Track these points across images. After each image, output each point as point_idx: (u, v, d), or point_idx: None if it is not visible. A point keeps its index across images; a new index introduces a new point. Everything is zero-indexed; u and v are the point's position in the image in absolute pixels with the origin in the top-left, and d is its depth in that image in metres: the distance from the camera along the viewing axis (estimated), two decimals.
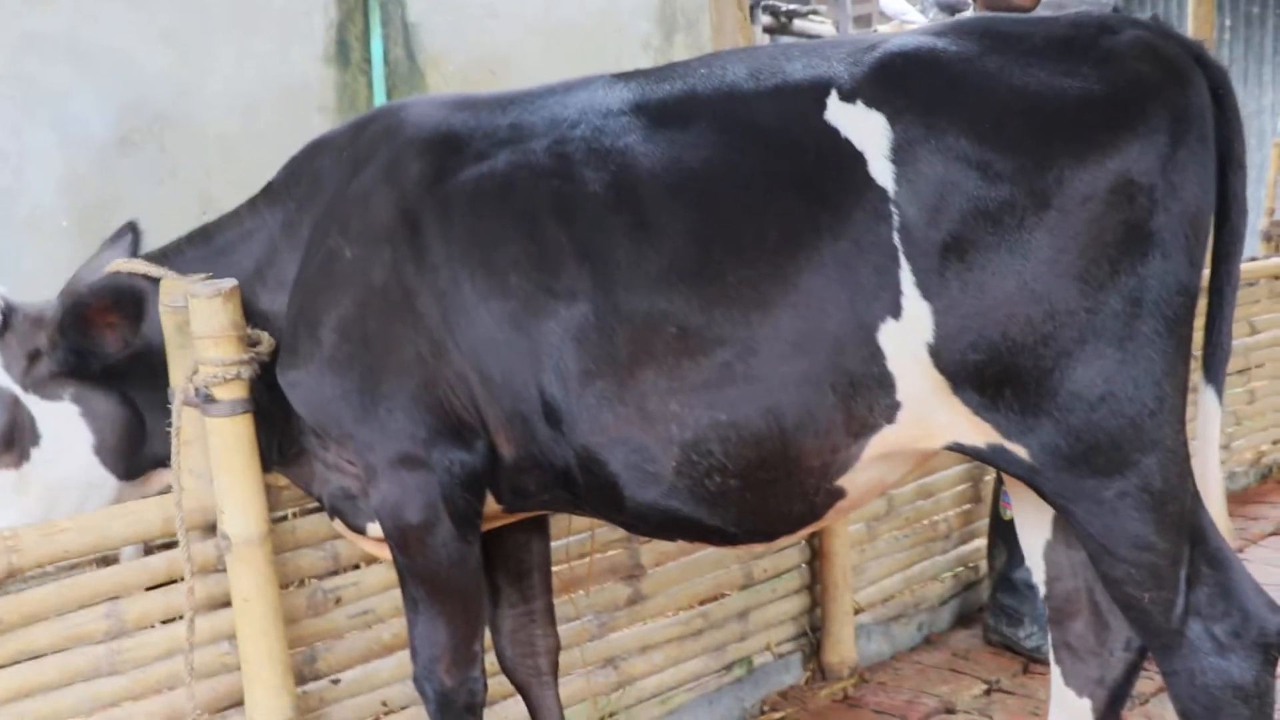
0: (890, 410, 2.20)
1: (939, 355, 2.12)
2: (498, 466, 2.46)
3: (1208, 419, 2.24)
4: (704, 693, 3.69)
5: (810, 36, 9.84)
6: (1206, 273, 2.21)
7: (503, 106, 2.51)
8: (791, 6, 9.77)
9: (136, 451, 2.73)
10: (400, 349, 2.40)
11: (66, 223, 4.39)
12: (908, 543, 4.28)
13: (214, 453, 2.54)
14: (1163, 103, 2.07)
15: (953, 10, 3.85)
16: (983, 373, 2.11)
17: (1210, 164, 2.12)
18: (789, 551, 3.93)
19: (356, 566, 2.96)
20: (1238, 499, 5.55)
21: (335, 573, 2.93)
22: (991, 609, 4.17)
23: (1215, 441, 2.24)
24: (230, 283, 2.52)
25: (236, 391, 2.51)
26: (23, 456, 2.62)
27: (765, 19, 9.15)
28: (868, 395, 2.18)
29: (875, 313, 2.13)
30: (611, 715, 3.48)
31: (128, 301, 2.58)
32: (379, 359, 2.42)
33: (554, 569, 3.28)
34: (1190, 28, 5.14)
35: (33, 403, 2.63)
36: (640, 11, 6.23)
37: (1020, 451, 2.16)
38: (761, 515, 2.35)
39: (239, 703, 2.68)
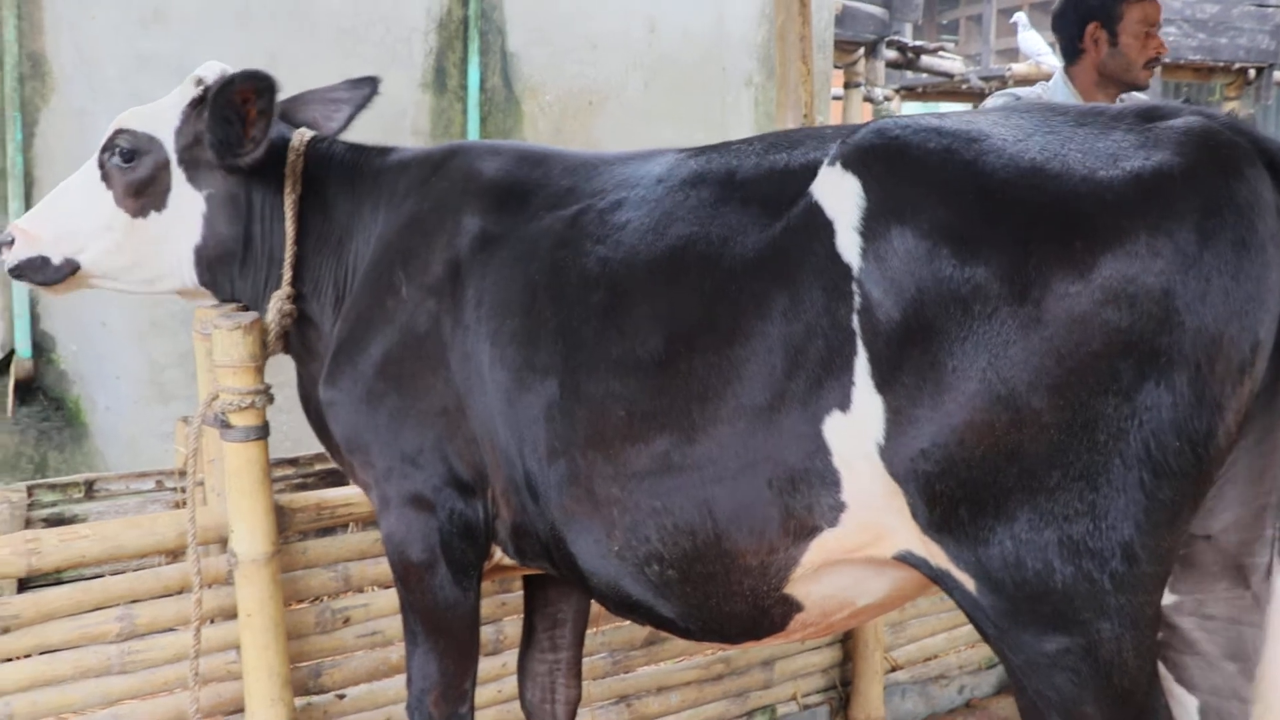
0: (833, 512, 1.99)
1: (890, 458, 1.88)
2: (501, 526, 2.50)
3: (1276, 606, 1.86)
4: None
5: (938, 73, 9.72)
6: None
7: (573, 168, 2.47)
8: (919, 43, 9.66)
9: (223, 275, 2.80)
10: (429, 399, 2.44)
11: None
12: (953, 603, 4.21)
13: (227, 474, 2.69)
14: (1195, 191, 1.68)
15: None
16: (934, 486, 1.85)
17: (1257, 277, 1.70)
18: None
19: (365, 590, 3.07)
20: None
21: (345, 593, 3.05)
22: None
23: None
24: (250, 316, 2.66)
25: (251, 419, 2.66)
26: (142, 212, 2.77)
27: (889, 54, 9.09)
28: (808, 493, 2.00)
29: (824, 403, 1.93)
30: None
31: (266, 91, 2.60)
32: (408, 403, 2.46)
33: None
34: None
35: (178, 176, 2.76)
36: (745, 49, 6.24)
37: (966, 582, 1.91)
38: (706, 613, 2.22)
39: (241, 709, 2.82)
